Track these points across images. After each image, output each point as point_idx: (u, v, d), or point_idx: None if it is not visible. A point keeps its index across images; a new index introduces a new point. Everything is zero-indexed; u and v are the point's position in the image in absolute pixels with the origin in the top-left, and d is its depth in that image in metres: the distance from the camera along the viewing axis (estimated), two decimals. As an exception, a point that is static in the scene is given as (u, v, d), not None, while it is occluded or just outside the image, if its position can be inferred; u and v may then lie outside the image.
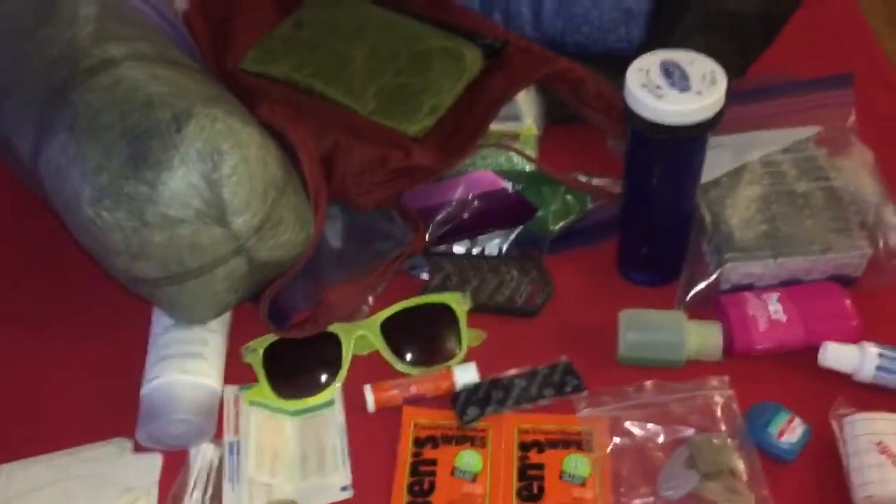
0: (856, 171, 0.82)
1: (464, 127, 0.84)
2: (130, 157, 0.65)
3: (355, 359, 0.76)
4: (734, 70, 0.92)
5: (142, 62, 0.71)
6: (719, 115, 0.69)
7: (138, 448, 0.72)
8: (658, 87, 0.68)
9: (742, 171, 0.82)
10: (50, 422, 0.74)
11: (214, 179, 0.65)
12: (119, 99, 0.67)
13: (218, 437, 0.72)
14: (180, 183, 0.65)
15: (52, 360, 0.78)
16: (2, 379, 0.77)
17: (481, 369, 0.75)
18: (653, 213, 0.77)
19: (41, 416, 0.74)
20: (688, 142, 0.71)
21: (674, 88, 0.68)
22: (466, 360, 0.76)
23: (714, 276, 0.77)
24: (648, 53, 0.71)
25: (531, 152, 0.88)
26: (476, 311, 0.79)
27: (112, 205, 0.65)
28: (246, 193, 0.67)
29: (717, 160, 0.83)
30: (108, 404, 0.74)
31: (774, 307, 0.74)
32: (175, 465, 0.70)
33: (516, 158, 0.87)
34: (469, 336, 0.77)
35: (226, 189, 0.66)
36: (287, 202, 0.72)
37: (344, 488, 0.69)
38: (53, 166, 0.69)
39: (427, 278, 0.82)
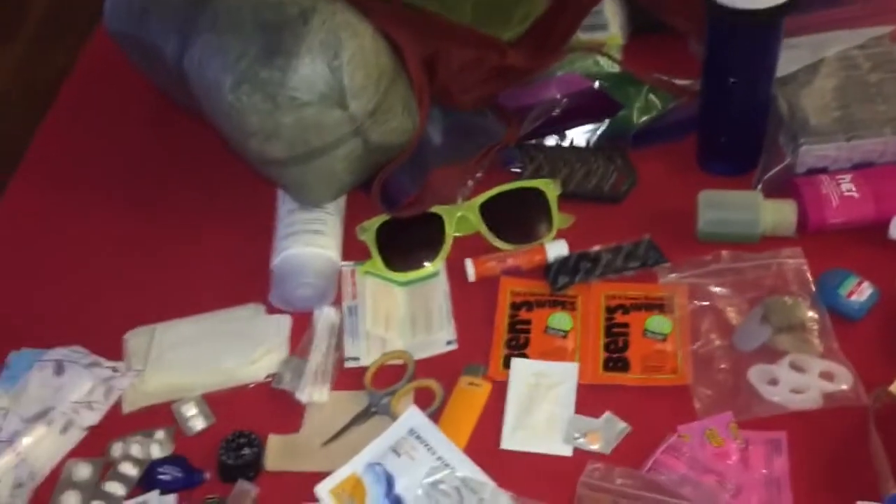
0: (930, 63, 0.86)
1: (554, 32, 0.91)
2: (265, 47, 0.74)
3: (456, 240, 0.85)
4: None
5: (268, -28, 0.80)
6: (793, 1, 0.74)
7: (271, 311, 0.82)
8: (735, -24, 0.74)
9: (818, 65, 0.87)
10: (195, 291, 0.85)
11: (335, 66, 0.75)
12: (253, 0, 0.77)
13: (337, 302, 0.82)
14: (307, 69, 0.74)
15: (197, 241, 0.89)
16: (156, 255, 0.88)
17: (571, 248, 0.82)
18: (731, 102, 0.83)
19: (188, 286, 0.85)
20: (763, 28, 0.76)
21: (750, -24, 0.74)
22: (557, 239, 0.84)
23: (790, 159, 0.82)
24: (727, -52, 0.77)
25: (616, 57, 0.94)
26: (565, 197, 0.86)
27: (250, 89, 0.75)
28: (362, 79, 0.76)
29: (794, 57, 0.88)
30: (243, 276, 0.85)
31: (847, 185, 0.80)
32: (302, 325, 0.81)
33: (603, 62, 0.94)
34: (559, 219, 0.85)
35: (345, 74, 0.75)
36: (396, 92, 0.81)
37: (449, 342, 0.78)
38: (196, 62, 0.79)
39: (520, 171, 0.89)
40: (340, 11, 0.76)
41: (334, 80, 0.75)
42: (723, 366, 0.72)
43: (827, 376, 0.70)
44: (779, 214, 0.80)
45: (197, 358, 0.79)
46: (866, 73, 0.86)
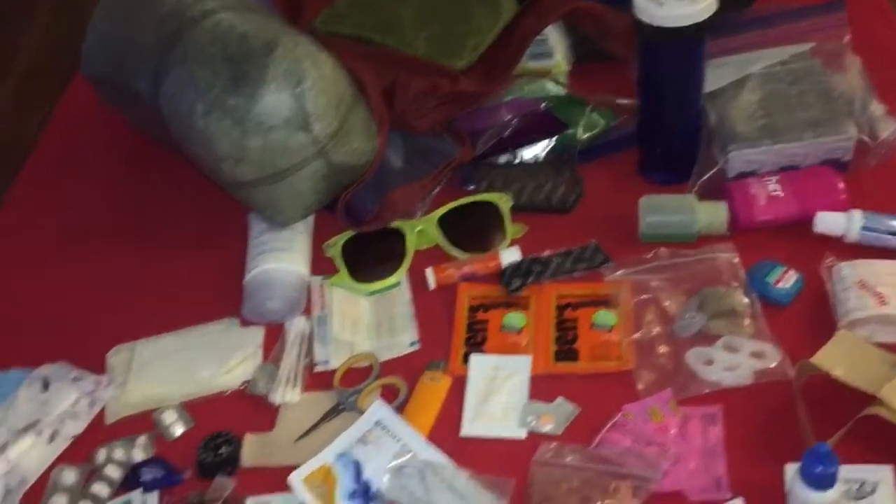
0: (845, 74, 0.94)
1: (502, 59, 0.99)
2: (232, 77, 0.81)
3: (416, 252, 0.91)
4: (742, 2, 1.06)
5: (234, 11, 0.88)
6: (712, 18, 0.82)
7: (244, 324, 0.87)
8: (659, -1, 0.82)
9: (744, 80, 0.94)
10: (173, 309, 0.90)
11: (298, 92, 0.81)
12: (220, 35, 0.84)
13: (307, 313, 0.87)
14: (272, 96, 0.81)
15: (174, 264, 0.95)
16: (136, 277, 0.94)
17: (523, 254, 0.89)
18: (665, 116, 0.90)
19: (166, 305, 0.91)
20: (688, 44, 0.84)
21: (672, -1, 0.82)
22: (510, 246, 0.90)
23: (721, 165, 0.89)
24: (652, -25, 0.84)
25: (562, 81, 1.02)
26: (517, 209, 0.93)
27: (220, 116, 0.81)
28: (324, 104, 0.83)
29: (722, 74, 0.95)
30: (218, 294, 0.90)
31: (773, 186, 0.87)
32: (274, 336, 0.86)
33: (549, 85, 1.01)
34: (512, 229, 0.91)
35: (308, 100, 0.82)
36: (356, 116, 0.88)
37: (412, 343, 0.83)
38: (170, 94, 0.86)
39: (474, 189, 0.96)
40: (302, 44, 0.83)
41: (297, 105, 0.82)
42: (663, 351, 0.78)
43: (757, 355, 0.76)
44: (712, 214, 0.87)
45: (175, 369, 0.84)
46: (788, 85, 0.94)
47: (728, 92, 0.94)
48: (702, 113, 0.92)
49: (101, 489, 0.75)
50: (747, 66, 0.96)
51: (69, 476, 0.76)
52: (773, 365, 0.75)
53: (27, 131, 1.22)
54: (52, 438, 0.79)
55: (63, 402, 0.81)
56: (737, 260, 0.83)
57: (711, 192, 0.90)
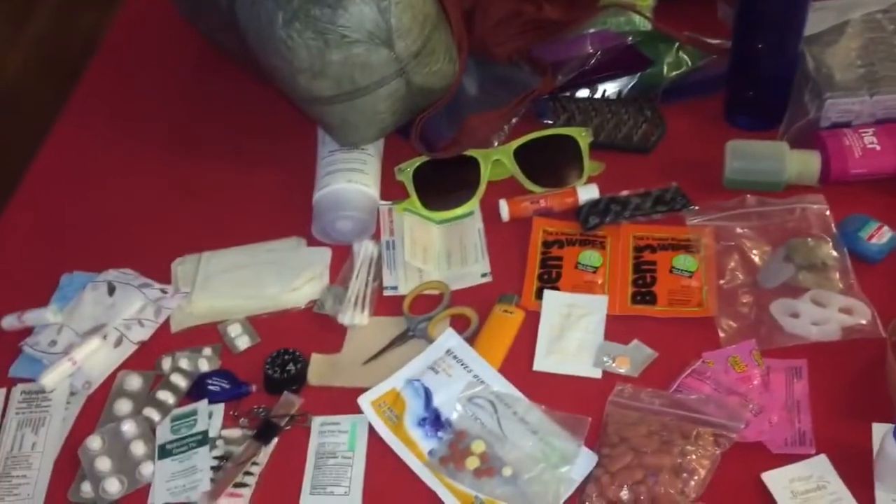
0: (952, 26, 0.89)
1: (589, -12, 0.95)
2: (317, -15, 0.78)
3: (490, 184, 0.88)
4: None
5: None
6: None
7: (312, 243, 0.86)
8: (769, -70, 0.77)
9: (844, 26, 0.90)
10: (239, 224, 0.88)
11: (384, 6, 0.78)
12: (305, -58, 0.80)
13: (376, 238, 0.85)
14: (356, 8, 0.77)
15: (240, 179, 0.93)
16: (202, 192, 0.92)
17: (601, 193, 0.86)
18: (760, 57, 0.86)
19: (232, 220, 0.89)
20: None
21: (784, -69, 0.77)
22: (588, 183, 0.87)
23: (815, 113, 0.85)
24: None
25: (649, 15, 0.98)
26: (596, 146, 0.89)
27: (301, 26, 0.78)
28: (409, 20, 0.80)
29: (821, 18, 0.91)
30: (285, 212, 0.89)
31: (870, 138, 0.83)
32: (342, 258, 0.84)
33: (636, 19, 0.97)
34: (590, 166, 0.88)
35: (393, 15, 0.79)
36: (439, 37, 0.84)
37: (484, 275, 0.81)
38: (249, 2, 0.83)
39: (552, 123, 0.93)
40: (389, -45, 0.80)
41: (382, 19, 0.78)
42: (746, 300, 0.76)
43: (846, 311, 0.73)
44: (803, 164, 0.83)
45: (241, 284, 0.82)
46: (890, 34, 0.89)
47: (826, 37, 0.89)
48: (799, 58, 0.87)
49: (166, 397, 0.74)
50: (847, 11, 0.92)
51: (134, 381, 0.76)
52: (863, 322, 0.72)
53: (76, 37, 1.19)
54: (117, 343, 0.78)
55: (129, 307, 0.80)
56: (828, 212, 0.80)
57: (801, 141, 0.86)
